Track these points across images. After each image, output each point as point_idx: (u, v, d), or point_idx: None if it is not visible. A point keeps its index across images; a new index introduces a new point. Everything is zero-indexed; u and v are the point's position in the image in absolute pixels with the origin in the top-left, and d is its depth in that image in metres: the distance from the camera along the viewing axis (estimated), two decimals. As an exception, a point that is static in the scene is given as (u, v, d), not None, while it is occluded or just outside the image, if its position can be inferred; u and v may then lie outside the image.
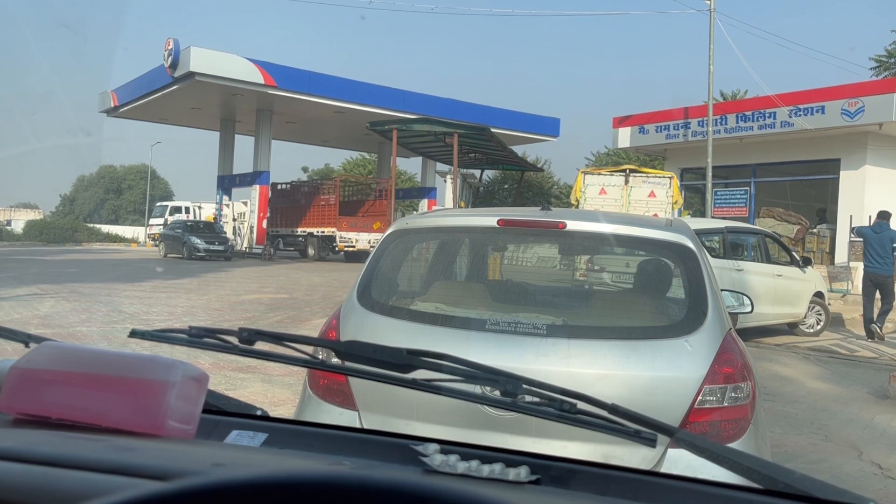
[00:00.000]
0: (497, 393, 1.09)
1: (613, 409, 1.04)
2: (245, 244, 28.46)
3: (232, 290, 14.52)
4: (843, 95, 16.73)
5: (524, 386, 1.07)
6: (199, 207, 37.77)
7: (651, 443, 1.01)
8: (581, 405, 1.05)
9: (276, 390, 5.94)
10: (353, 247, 27.01)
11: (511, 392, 1.07)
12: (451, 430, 2.24)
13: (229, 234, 28.37)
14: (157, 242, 30.72)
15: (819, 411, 6.34)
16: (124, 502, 0.39)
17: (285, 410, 4.97)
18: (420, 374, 1.14)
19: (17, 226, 45.32)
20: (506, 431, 2.23)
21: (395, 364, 1.11)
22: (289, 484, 0.40)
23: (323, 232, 27.64)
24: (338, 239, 27.05)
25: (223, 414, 1.18)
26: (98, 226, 48.74)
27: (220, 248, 25.81)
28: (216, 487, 0.40)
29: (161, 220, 36.47)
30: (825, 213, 18.85)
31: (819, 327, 11.40)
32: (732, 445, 2.23)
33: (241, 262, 25.37)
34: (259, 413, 1.25)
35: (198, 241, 25.55)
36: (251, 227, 28.12)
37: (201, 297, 13.03)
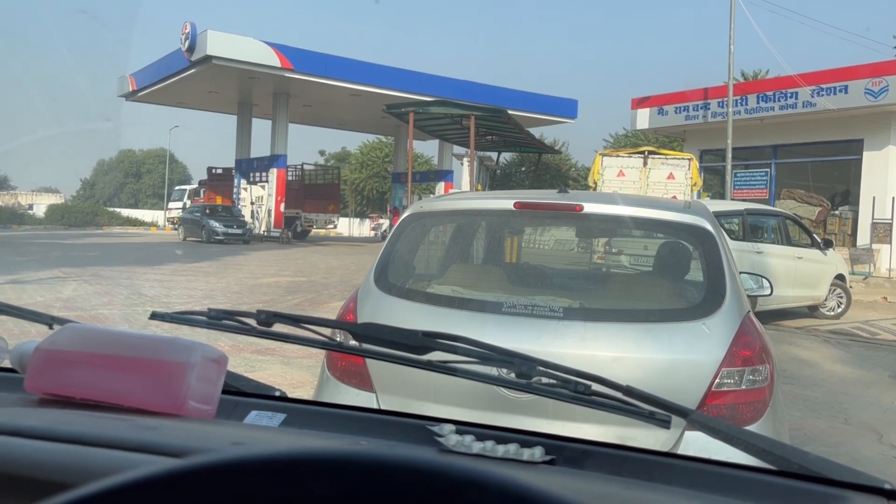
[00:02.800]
0: (512, 375, 1.10)
1: (628, 390, 1.05)
2: (263, 227, 28.65)
3: (250, 273, 14.64)
4: (866, 74, 16.43)
5: (539, 368, 1.08)
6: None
7: (665, 424, 1.02)
8: (596, 387, 1.06)
9: (294, 372, 6.00)
10: (313, 226, 30.70)
11: (526, 374, 1.07)
12: (467, 411, 2.25)
13: (247, 218, 28.60)
14: (177, 226, 31.58)
15: (839, 394, 6.30)
16: (143, 477, 0.40)
17: (304, 392, 5.02)
18: (436, 357, 1.15)
19: (39, 210, 45.83)
20: (522, 413, 2.24)
21: (411, 346, 1.12)
22: (306, 460, 0.41)
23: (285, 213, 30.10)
24: (302, 219, 29.70)
25: (242, 395, 1.20)
26: (118, 210, 49.14)
27: (239, 231, 25.99)
28: (233, 463, 0.41)
29: (180, 204, 36.82)
30: (849, 194, 18.60)
31: (840, 310, 11.29)
32: (750, 428, 2.23)
33: (259, 245, 25.55)
34: (278, 394, 1.27)
35: (216, 225, 25.74)
36: (269, 211, 28.30)
37: (220, 280, 13.15)
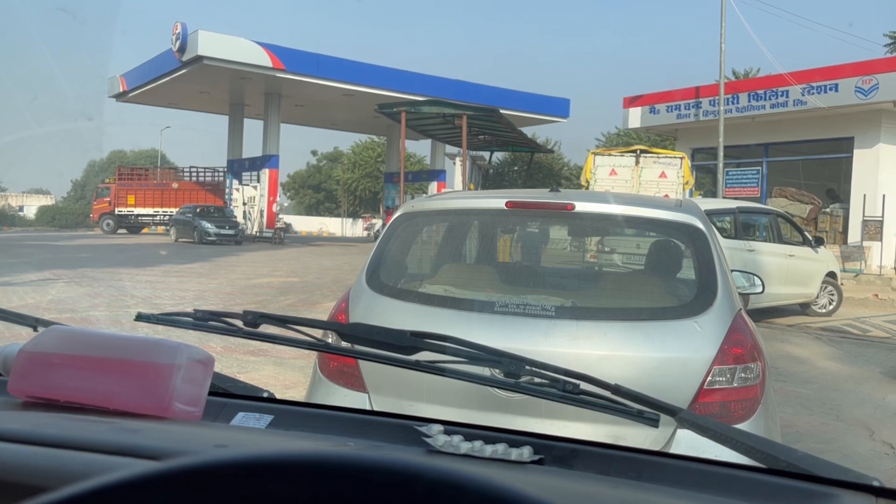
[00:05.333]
0: (501, 374, 1.09)
1: (616, 389, 1.04)
2: (255, 228, 28.59)
3: (243, 274, 14.60)
4: (856, 73, 16.49)
5: (527, 367, 1.07)
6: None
7: (654, 423, 1.01)
8: (584, 386, 1.05)
9: (287, 373, 5.98)
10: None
11: (514, 373, 1.07)
12: (460, 411, 2.25)
13: (239, 219, 28.55)
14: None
15: (831, 391, 6.32)
16: (114, 482, 0.40)
17: (297, 393, 5.00)
18: (425, 357, 1.14)
19: (30, 211, 45.57)
20: (514, 413, 2.23)
21: (399, 346, 1.12)
22: (280, 463, 0.40)
23: None
24: None
25: (230, 396, 1.19)
26: (109, 210, 48.70)
27: (231, 232, 25.92)
28: (208, 466, 0.40)
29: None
30: (834, 192, 18.72)
31: (831, 307, 11.33)
32: (742, 426, 2.23)
33: (251, 246, 25.48)
34: (266, 395, 1.26)
35: (208, 226, 25.65)
36: (261, 211, 28.24)
37: (212, 281, 13.11)
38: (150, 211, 34.71)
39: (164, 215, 34.53)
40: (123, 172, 36.36)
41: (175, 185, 35.22)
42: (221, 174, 35.83)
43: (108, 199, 35.07)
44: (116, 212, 34.56)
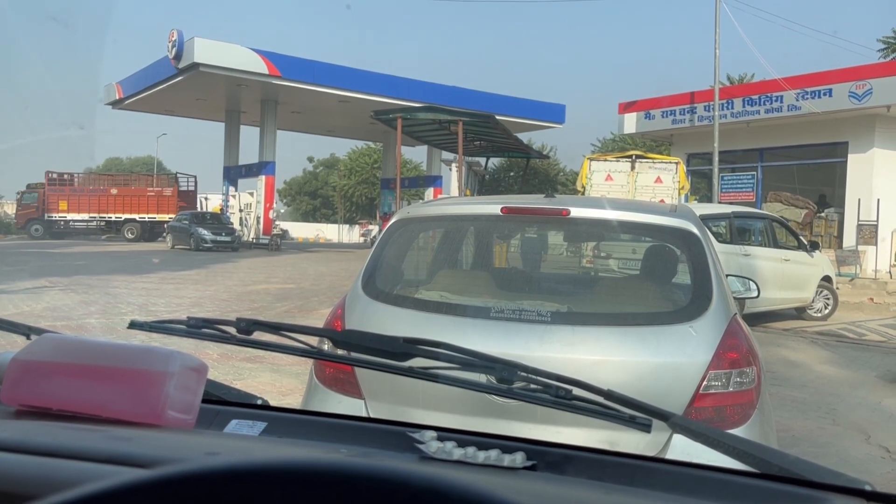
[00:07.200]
0: (494, 380, 1.10)
1: (609, 394, 1.05)
2: (252, 235, 28.57)
3: (240, 281, 14.58)
4: (850, 78, 16.57)
5: (520, 373, 1.08)
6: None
7: (646, 428, 1.01)
8: (577, 391, 1.05)
9: (284, 380, 5.97)
10: None
11: (507, 379, 1.07)
12: (456, 417, 2.25)
13: (236, 225, 28.53)
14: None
15: (827, 395, 6.33)
16: (104, 490, 0.40)
17: (293, 400, 4.99)
18: (418, 363, 1.14)
19: (26, 219, 45.24)
20: (510, 418, 2.23)
21: (392, 352, 1.12)
22: (269, 470, 0.40)
23: (154, 217, 32.92)
24: None
25: (224, 404, 1.19)
26: (105, 217, 48.54)
27: (227, 238, 25.90)
28: (197, 474, 0.40)
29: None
30: (825, 197, 18.82)
31: (827, 311, 11.36)
32: (737, 430, 2.23)
33: (248, 252, 25.46)
34: (259, 402, 1.26)
35: (205, 233, 25.63)
36: (258, 218, 28.23)
37: (209, 287, 13.08)
38: (84, 216, 33.80)
39: (101, 221, 33.91)
40: (53, 177, 34.90)
41: (114, 191, 34.05)
42: (174, 179, 35.54)
43: (35, 204, 34.13)
44: (46, 217, 33.58)
